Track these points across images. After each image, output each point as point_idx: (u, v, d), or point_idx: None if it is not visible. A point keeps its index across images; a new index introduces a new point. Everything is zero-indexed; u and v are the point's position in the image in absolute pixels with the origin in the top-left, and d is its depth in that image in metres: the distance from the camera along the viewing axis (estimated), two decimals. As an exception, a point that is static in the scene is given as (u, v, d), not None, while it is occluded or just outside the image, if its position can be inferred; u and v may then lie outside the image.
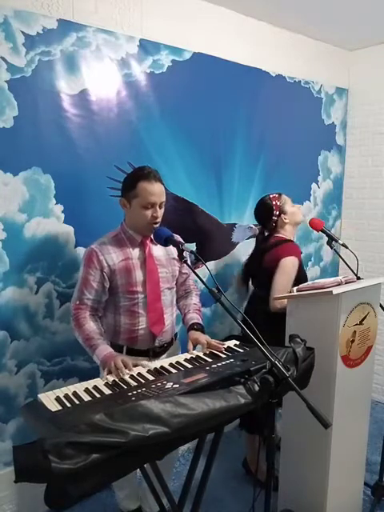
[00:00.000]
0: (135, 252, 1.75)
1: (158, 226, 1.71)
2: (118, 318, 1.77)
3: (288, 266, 2.11)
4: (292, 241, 2.24)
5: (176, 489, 2.08)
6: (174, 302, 1.93)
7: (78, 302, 1.72)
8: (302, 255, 2.21)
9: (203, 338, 1.70)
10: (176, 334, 1.97)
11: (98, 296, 1.72)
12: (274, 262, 2.12)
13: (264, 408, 1.28)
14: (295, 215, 2.25)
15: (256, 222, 2.45)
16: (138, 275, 1.73)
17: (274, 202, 2.23)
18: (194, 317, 1.87)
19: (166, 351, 1.87)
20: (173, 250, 1.83)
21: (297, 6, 2.44)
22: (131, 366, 1.47)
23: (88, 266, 1.70)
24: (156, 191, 1.67)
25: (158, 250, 1.80)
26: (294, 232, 2.32)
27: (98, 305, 1.75)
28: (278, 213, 2.23)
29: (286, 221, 2.23)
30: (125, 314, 1.76)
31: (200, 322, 1.86)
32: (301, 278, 2.16)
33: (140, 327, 1.77)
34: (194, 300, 1.95)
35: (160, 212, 1.71)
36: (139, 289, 1.74)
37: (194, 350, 1.67)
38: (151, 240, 1.77)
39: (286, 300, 1.94)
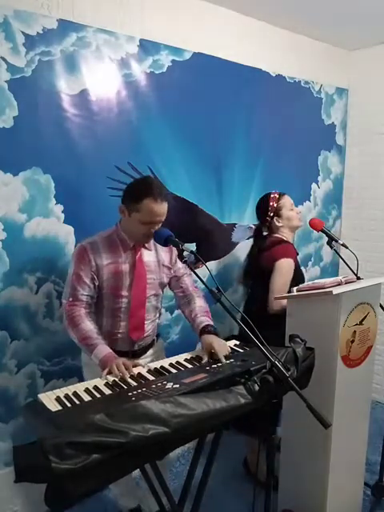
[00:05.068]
0: (126, 256, 1.72)
1: (151, 238, 1.68)
2: (101, 318, 1.76)
3: (284, 267, 2.10)
4: (288, 242, 2.22)
5: (176, 489, 2.08)
6: (159, 307, 1.89)
7: (71, 299, 1.68)
8: (298, 256, 2.21)
9: (222, 351, 1.53)
10: (158, 335, 1.95)
11: (91, 292, 1.70)
12: (270, 264, 2.11)
13: (264, 408, 1.28)
14: (291, 221, 2.22)
15: (256, 221, 2.44)
16: (126, 279, 1.71)
17: (271, 203, 2.22)
18: (204, 320, 1.77)
19: (147, 351, 1.85)
20: (164, 256, 1.81)
21: (297, 5, 2.44)
22: (132, 369, 1.47)
23: (79, 261, 1.67)
24: (161, 212, 1.62)
25: (148, 256, 1.77)
26: (292, 234, 2.29)
27: (91, 300, 1.72)
28: (271, 214, 2.21)
29: (279, 224, 2.21)
30: (107, 315, 1.75)
31: (211, 323, 1.76)
32: (298, 279, 2.15)
33: (120, 331, 1.76)
34: (199, 303, 1.85)
35: (157, 227, 1.67)
36: (125, 293, 1.72)
37: (207, 356, 1.55)
38: (143, 245, 1.76)
39: (284, 302, 1.94)
